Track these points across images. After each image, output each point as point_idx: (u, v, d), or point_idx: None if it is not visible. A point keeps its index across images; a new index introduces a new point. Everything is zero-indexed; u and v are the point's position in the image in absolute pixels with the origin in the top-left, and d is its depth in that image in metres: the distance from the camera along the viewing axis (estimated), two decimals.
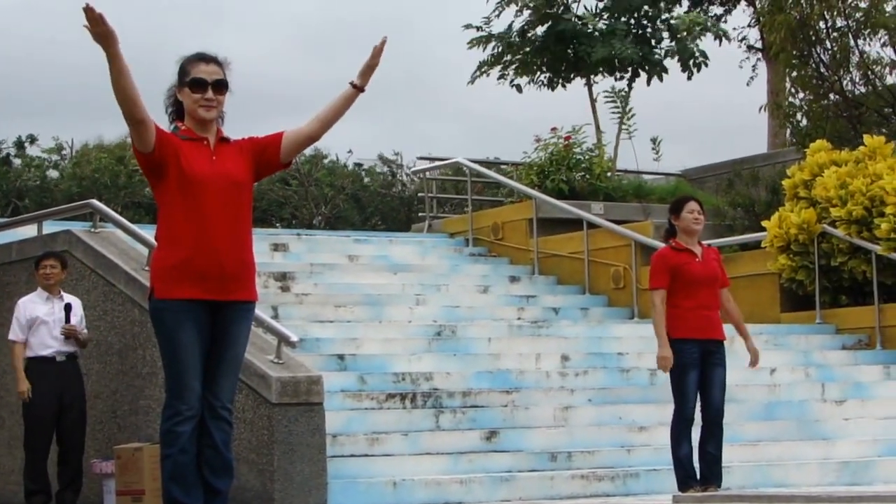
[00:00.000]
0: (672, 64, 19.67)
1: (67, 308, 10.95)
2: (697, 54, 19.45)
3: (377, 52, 6.68)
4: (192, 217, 6.44)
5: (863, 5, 18.19)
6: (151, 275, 6.59)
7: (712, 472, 9.59)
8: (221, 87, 6.57)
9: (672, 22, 19.65)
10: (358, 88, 6.72)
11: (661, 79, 19.63)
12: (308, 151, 31.18)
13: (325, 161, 30.87)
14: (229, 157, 6.60)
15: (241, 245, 6.56)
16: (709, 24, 20.03)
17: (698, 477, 9.58)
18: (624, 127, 19.50)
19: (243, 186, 6.58)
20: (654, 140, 20.15)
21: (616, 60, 19.27)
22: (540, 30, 19.69)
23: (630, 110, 19.53)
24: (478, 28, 19.90)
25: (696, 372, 9.57)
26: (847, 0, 18.16)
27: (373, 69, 6.70)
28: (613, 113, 19.52)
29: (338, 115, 6.74)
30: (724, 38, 20.38)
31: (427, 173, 19.80)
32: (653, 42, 19.66)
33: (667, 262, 9.69)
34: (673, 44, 19.61)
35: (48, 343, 10.88)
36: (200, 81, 6.51)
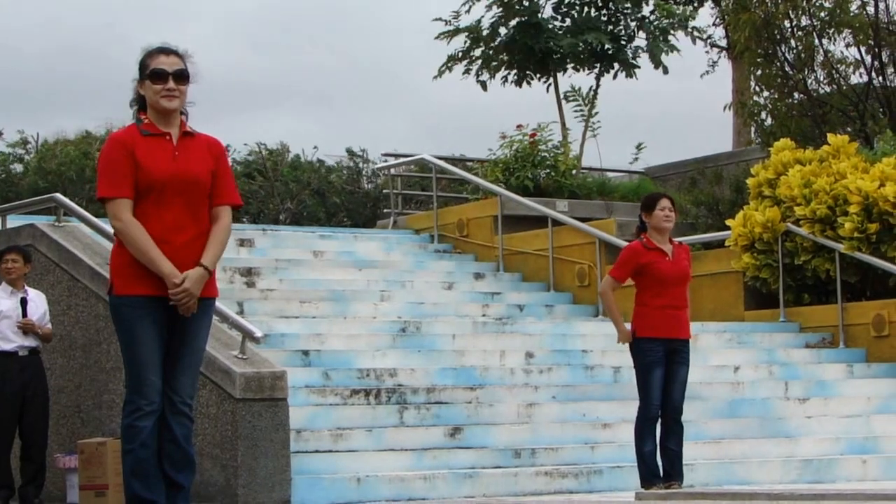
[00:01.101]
0: (643, 62, 19.77)
1: (23, 302, 10.88)
2: (666, 49, 19.52)
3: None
4: (151, 214, 6.43)
5: (827, 5, 18.27)
6: (111, 271, 6.59)
7: (674, 469, 9.63)
8: (182, 77, 6.56)
9: (647, 14, 19.73)
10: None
11: (628, 75, 19.68)
12: (273, 146, 31.16)
13: (289, 156, 30.82)
14: (193, 153, 6.56)
15: (199, 241, 6.53)
16: (688, 13, 20.08)
17: (661, 474, 9.62)
18: (589, 125, 19.56)
19: (204, 183, 6.55)
20: (638, 146, 20.31)
21: (584, 54, 19.32)
22: (509, 25, 19.72)
23: (595, 110, 19.58)
24: (446, 22, 19.93)
25: (661, 370, 9.60)
26: None
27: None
28: (577, 111, 19.58)
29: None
30: (695, 37, 20.44)
31: (392, 170, 19.79)
32: (623, 41, 19.72)
33: (636, 258, 9.70)
34: (644, 39, 19.69)
35: (10, 338, 10.82)
36: (160, 72, 6.51)
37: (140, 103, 6.63)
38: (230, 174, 6.74)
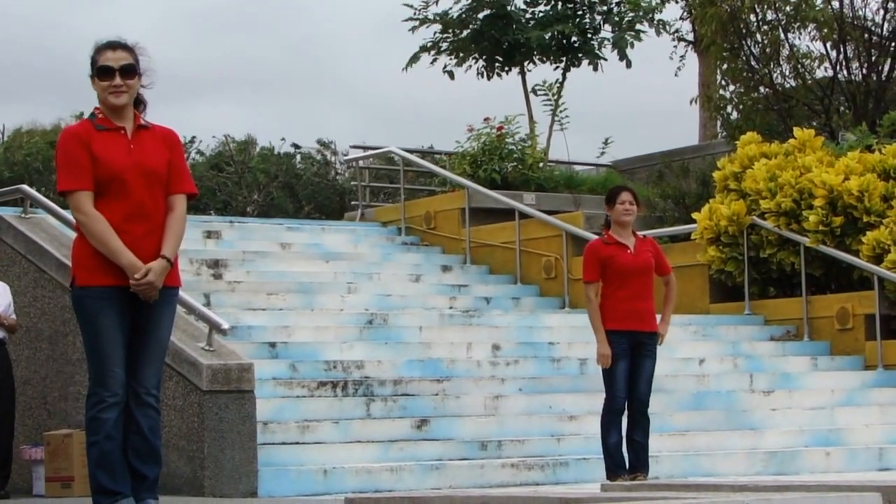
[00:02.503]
0: (609, 54, 19.82)
1: None
2: (631, 41, 19.57)
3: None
4: (110, 206, 6.44)
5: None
6: (73, 262, 6.60)
7: (640, 461, 9.68)
8: (130, 71, 6.56)
9: (613, 7, 19.78)
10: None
11: (595, 68, 19.73)
12: (240, 137, 31.10)
13: (258, 148, 30.75)
14: (148, 145, 6.58)
15: (160, 232, 6.56)
16: (653, 4, 20.13)
17: (626, 466, 9.67)
18: (556, 118, 19.60)
19: (162, 174, 6.56)
20: (605, 141, 20.37)
21: (552, 46, 19.36)
22: (478, 16, 19.74)
23: (562, 102, 19.63)
24: (415, 10, 19.93)
25: (627, 362, 9.63)
26: None
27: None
28: (545, 105, 19.62)
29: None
30: (661, 30, 20.49)
31: (360, 162, 19.78)
32: (589, 34, 19.77)
33: (597, 255, 9.75)
34: (611, 31, 19.74)
35: None
36: (107, 69, 6.52)
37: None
38: (185, 164, 6.77)
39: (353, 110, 49.53)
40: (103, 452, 6.43)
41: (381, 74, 49.78)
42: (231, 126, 49.01)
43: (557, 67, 19.80)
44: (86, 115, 6.74)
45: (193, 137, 30.62)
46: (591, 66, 19.71)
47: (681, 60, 24.17)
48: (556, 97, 19.60)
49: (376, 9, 49.45)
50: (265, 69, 49.54)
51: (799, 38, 18.62)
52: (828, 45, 18.39)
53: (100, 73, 6.53)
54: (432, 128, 46.32)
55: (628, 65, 19.70)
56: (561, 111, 19.61)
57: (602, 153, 20.52)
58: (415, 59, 20.00)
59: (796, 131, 15.40)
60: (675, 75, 23.86)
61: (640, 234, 10.15)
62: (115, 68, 6.52)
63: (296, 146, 30.85)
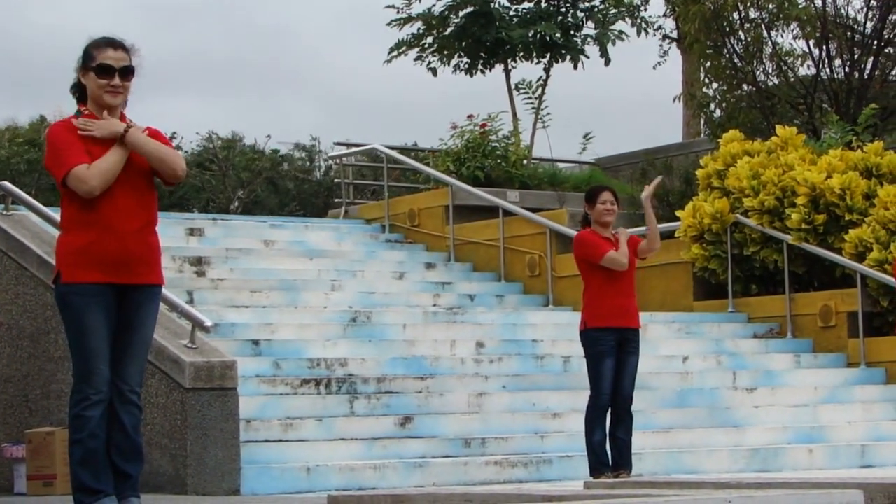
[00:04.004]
0: (591, 51, 19.84)
1: None
2: (613, 37, 19.59)
3: None
4: (96, 202, 6.40)
5: None
6: (56, 259, 6.55)
7: (623, 458, 9.70)
8: (128, 73, 6.52)
9: (596, 4, 19.81)
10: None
11: (575, 65, 19.75)
12: (225, 135, 31.07)
13: (242, 144, 30.74)
14: None
15: (146, 229, 6.52)
16: (636, 1, 20.17)
17: (610, 463, 9.68)
18: (539, 118, 19.61)
19: (148, 171, 6.53)
20: (585, 136, 20.38)
21: (534, 44, 19.38)
22: (459, 14, 19.76)
23: (544, 100, 19.65)
24: (398, 10, 19.94)
25: (612, 360, 9.64)
26: None
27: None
28: (527, 103, 19.64)
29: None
30: (643, 29, 20.52)
31: (343, 159, 19.77)
32: (572, 31, 19.79)
33: (595, 235, 9.75)
34: (593, 28, 19.76)
35: None
36: (107, 67, 6.46)
37: (80, 93, 6.59)
38: (171, 146, 6.70)
39: (315, 104, 49.44)
40: (87, 450, 6.40)
41: (343, 67, 49.70)
42: (192, 120, 48.81)
43: (539, 62, 19.80)
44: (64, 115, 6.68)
45: (174, 133, 30.57)
46: (572, 63, 19.72)
47: (664, 57, 24.24)
48: (538, 96, 19.61)
49: (338, 2, 49.39)
50: (224, 61, 49.42)
51: (782, 36, 18.68)
52: (811, 42, 18.45)
53: (99, 70, 6.46)
54: (416, 123, 46.39)
55: (607, 62, 19.72)
56: (543, 108, 19.63)
57: (584, 149, 20.52)
58: (398, 47, 19.98)
59: (778, 129, 15.44)
60: (654, 69, 23.92)
61: (614, 231, 10.11)
62: (116, 68, 6.46)
63: (275, 151, 30.85)
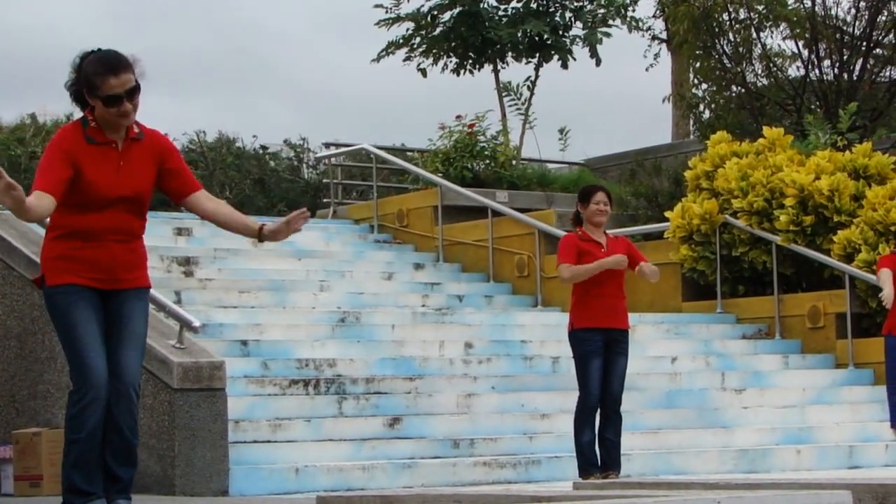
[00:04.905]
0: (580, 52, 19.86)
1: None
2: (601, 35, 19.62)
3: (297, 222, 6.71)
4: (87, 216, 6.36)
5: None
6: (42, 264, 6.49)
7: (612, 459, 9.72)
8: (135, 93, 6.37)
9: (585, 4, 19.83)
10: (259, 238, 6.78)
11: (565, 66, 19.76)
12: (212, 135, 31.02)
13: (234, 145, 30.68)
14: (137, 163, 6.45)
15: (132, 238, 6.49)
16: (625, 1, 20.18)
17: (599, 464, 9.69)
18: (528, 121, 19.63)
19: (146, 193, 6.49)
20: (561, 131, 20.27)
21: (523, 43, 19.40)
22: (448, 14, 19.79)
23: (529, 101, 19.66)
24: (387, 9, 19.95)
25: (600, 360, 9.64)
26: None
27: (284, 235, 6.75)
28: (512, 105, 19.66)
29: (227, 228, 6.99)
30: (633, 28, 20.54)
31: (332, 159, 19.77)
32: (561, 31, 19.81)
33: (575, 244, 9.75)
34: (581, 29, 19.79)
35: None
36: (115, 98, 6.30)
37: (76, 94, 6.44)
38: (185, 166, 6.68)
39: (289, 104, 49.36)
40: (83, 451, 6.34)
41: (318, 66, 49.62)
42: (170, 119, 48.61)
43: (529, 62, 19.82)
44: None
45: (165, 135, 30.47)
46: (560, 63, 19.74)
47: (655, 60, 24.25)
48: (526, 98, 19.63)
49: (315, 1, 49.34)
50: (200, 61, 49.30)
51: (771, 38, 18.73)
52: (800, 44, 18.49)
53: (107, 102, 6.30)
54: (403, 123, 46.29)
55: (598, 63, 19.74)
56: (531, 112, 19.65)
57: (564, 144, 20.43)
58: (387, 48, 20.01)
59: (766, 130, 15.47)
60: (646, 70, 23.93)
61: (612, 233, 10.16)
62: (124, 97, 6.32)
63: (264, 147, 30.78)
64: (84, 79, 6.34)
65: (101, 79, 6.28)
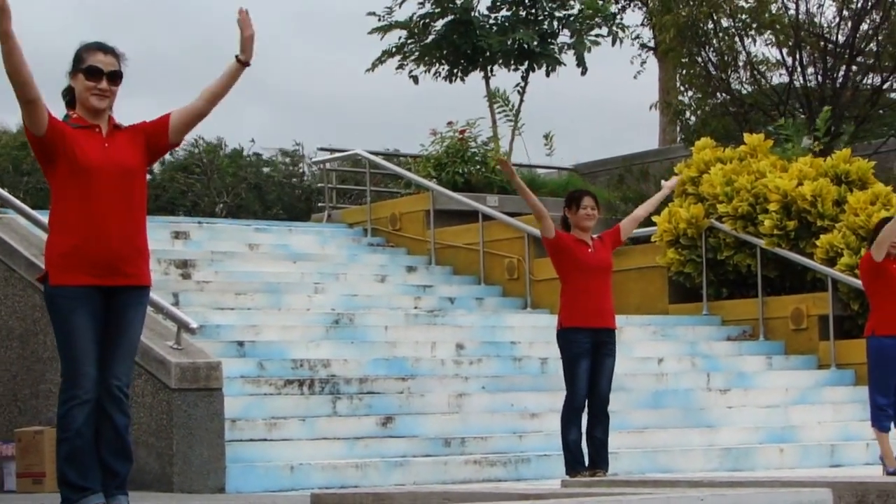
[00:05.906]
0: (568, 60, 20.02)
1: None
2: (589, 44, 19.76)
3: (244, 24, 6.67)
4: (83, 204, 6.42)
5: (745, 5, 18.58)
6: (45, 261, 6.55)
7: (600, 457, 9.77)
8: (116, 78, 6.55)
9: (573, 13, 19.98)
10: (242, 63, 6.71)
11: (548, 74, 19.90)
12: (210, 139, 31.15)
13: (227, 149, 30.80)
14: (122, 144, 6.57)
15: (133, 231, 6.54)
16: (610, 8, 20.32)
17: (586, 462, 9.78)
18: (517, 128, 19.76)
19: (136, 173, 6.56)
20: (546, 136, 20.40)
21: (513, 51, 19.55)
22: (440, 23, 19.94)
23: (517, 107, 19.80)
24: (379, 17, 20.11)
25: (588, 361, 9.67)
26: (734, 1, 18.55)
27: (250, 40, 6.67)
28: (500, 111, 19.80)
29: (224, 90, 6.74)
30: (617, 38, 20.66)
31: (327, 164, 19.91)
32: (549, 39, 19.97)
33: (568, 236, 9.90)
34: (570, 37, 19.94)
35: None
36: (96, 70, 6.49)
37: (70, 97, 6.61)
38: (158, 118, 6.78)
39: (263, 108, 49.23)
40: (73, 448, 6.41)
41: (295, 70, 49.47)
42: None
43: (517, 69, 19.97)
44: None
45: None
46: (548, 70, 19.87)
47: (642, 66, 24.43)
48: (514, 105, 19.77)
49: (289, 3, 49.22)
50: (174, 64, 49.13)
51: (755, 45, 18.87)
52: (784, 51, 18.64)
53: (88, 72, 6.49)
54: (393, 127, 46.26)
55: (584, 72, 19.88)
56: (519, 117, 19.78)
57: (551, 150, 20.58)
58: (380, 58, 20.18)
59: (746, 137, 15.61)
60: (634, 77, 24.10)
61: (596, 236, 10.26)
62: (105, 72, 6.50)
63: (258, 154, 30.91)
64: (74, 59, 6.56)
65: (90, 53, 6.54)
